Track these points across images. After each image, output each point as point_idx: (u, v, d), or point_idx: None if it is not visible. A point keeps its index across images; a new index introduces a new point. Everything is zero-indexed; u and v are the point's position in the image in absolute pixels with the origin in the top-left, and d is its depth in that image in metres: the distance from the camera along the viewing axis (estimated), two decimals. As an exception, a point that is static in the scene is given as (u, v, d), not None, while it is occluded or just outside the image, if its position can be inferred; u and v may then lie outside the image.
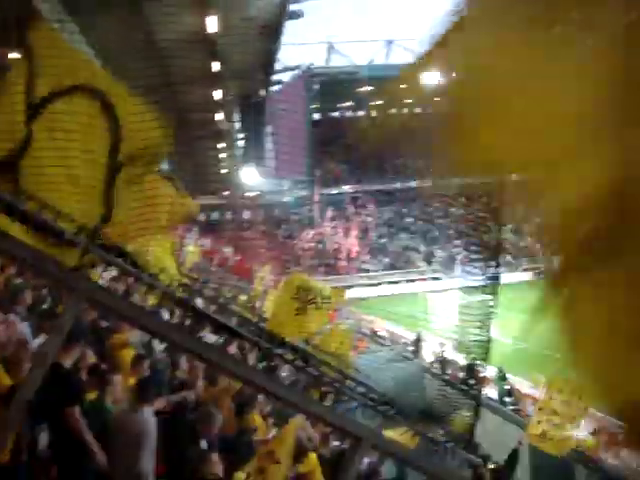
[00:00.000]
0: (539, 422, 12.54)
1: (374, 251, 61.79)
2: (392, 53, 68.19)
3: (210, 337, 10.26)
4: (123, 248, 4.33)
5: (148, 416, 7.02)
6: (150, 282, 4.41)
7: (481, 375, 20.25)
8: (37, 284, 10.00)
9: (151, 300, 9.54)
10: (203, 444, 7.60)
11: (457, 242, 62.20)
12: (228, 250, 33.67)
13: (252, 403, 9.73)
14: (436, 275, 56.40)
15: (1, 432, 3.71)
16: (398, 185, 69.43)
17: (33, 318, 8.82)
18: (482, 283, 10.82)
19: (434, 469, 4.39)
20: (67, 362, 6.96)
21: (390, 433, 7.57)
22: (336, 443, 9.55)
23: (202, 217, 53.57)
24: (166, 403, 8.60)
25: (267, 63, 34.77)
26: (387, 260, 60.35)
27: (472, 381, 20.15)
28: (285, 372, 13.80)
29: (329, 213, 64.09)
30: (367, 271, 57.26)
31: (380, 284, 53.15)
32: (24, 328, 8.22)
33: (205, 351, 4.12)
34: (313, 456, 7.61)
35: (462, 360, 23.33)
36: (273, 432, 9.36)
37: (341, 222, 63.93)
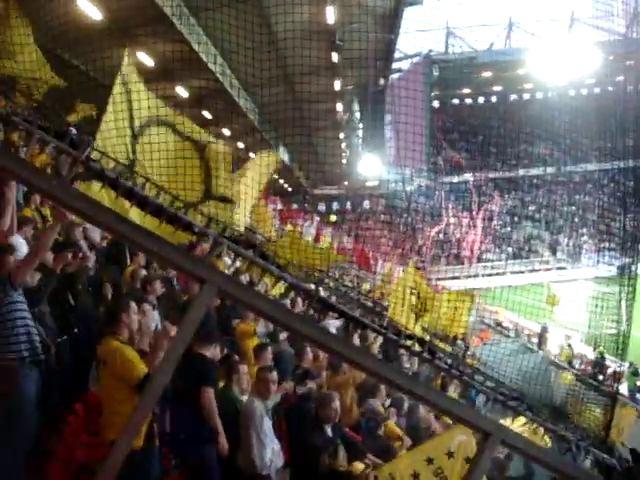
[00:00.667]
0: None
1: (497, 240, 60.60)
2: (512, 37, 66.45)
3: (333, 326, 10.34)
4: (252, 240, 4.38)
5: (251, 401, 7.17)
6: (278, 274, 4.43)
7: (613, 370, 19.48)
8: (166, 275, 10.30)
9: (275, 291, 9.71)
10: (328, 432, 7.65)
11: (584, 231, 60.43)
12: (349, 240, 33.77)
13: (375, 393, 9.72)
14: (561, 265, 54.80)
15: (138, 418, 3.80)
16: (521, 172, 67.84)
17: (163, 308, 9.11)
18: (613, 273, 10.37)
19: (565, 468, 4.20)
20: (202, 351, 7.16)
21: (515, 425, 7.39)
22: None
23: (323, 207, 54.04)
24: (291, 393, 8.71)
25: (386, 52, 34.54)
26: (511, 249, 59.10)
27: (601, 376, 19.43)
28: (409, 363, 13.72)
29: (451, 202, 63.28)
30: (490, 261, 56.22)
31: (504, 274, 52.11)
32: (156, 317, 8.50)
33: (328, 341, 4.10)
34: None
35: (591, 354, 22.65)
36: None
37: (463, 211, 63.00)
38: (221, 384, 7.50)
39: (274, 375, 7.45)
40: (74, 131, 10.05)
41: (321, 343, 4.16)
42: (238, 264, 7.17)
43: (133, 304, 6.56)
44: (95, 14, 20.58)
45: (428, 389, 4.51)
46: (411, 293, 9.18)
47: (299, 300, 11.81)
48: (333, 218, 46.38)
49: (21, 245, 8.70)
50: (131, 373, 5.80)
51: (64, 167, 3.78)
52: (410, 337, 5.17)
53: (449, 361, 6.18)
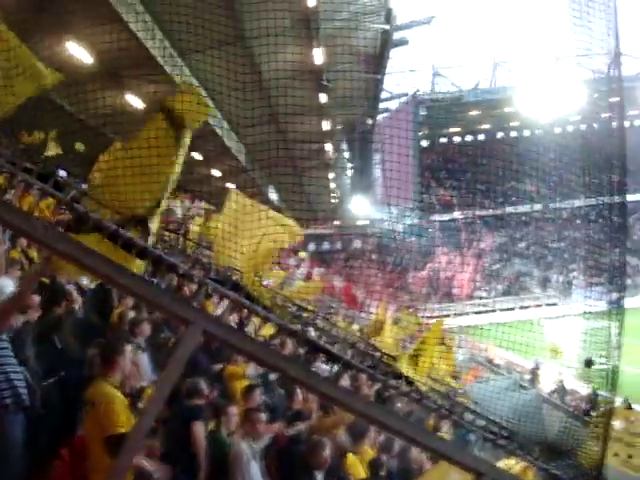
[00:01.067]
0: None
1: (487, 277, 60.71)
2: (497, 76, 67.29)
3: (323, 368, 10.26)
4: (237, 281, 4.35)
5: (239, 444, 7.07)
6: (264, 314, 4.40)
7: (607, 406, 19.34)
8: (154, 316, 10.23)
9: (265, 331, 9.65)
10: (319, 477, 7.55)
11: (573, 266, 60.62)
12: (339, 279, 33.75)
13: (366, 435, 9.61)
14: (552, 301, 54.86)
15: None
16: (509, 209, 68.31)
17: (151, 350, 9.03)
18: (604, 308, 10.35)
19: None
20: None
21: (507, 464, 7.30)
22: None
23: (312, 247, 54.08)
24: (281, 435, 8.61)
25: (373, 92, 34.90)
26: (501, 286, 59.19)
27: (594, 412, 19.32)
28: (399, 403, 13.60)
29: (441, 240, 63.50)
30: (480, 298, 56.27)
31: (494, 311, 52.12)
32: (145, 360, 8.42)
33: (316, 382, 4.06)
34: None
35: (584, 390, 22.54)
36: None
37: (453, 249, 63.21)
38: (209, 426, 7.42)
39: (262, 416, 7.37)
40: (63, 173, 10.06)
41: (309, 385, 4.11)
42: (225, 304, 7.15)
43: (128, 348, 6.51)
44: (85, 57, 20.77)
45: (417, 430, 4.46)
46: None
47: (288, 341, 11.74)
48: (302, 254, 46.39)
49: (8, 287, 8.66)
50: (109, 424, 5.73)
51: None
52: (398, 377, 5.14)
53: (438, 401, 6.14)
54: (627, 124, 59.90)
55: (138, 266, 3.80)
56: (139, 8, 20.77)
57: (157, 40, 22.01)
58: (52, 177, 3.67)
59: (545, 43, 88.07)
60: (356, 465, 8.98)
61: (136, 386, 6.70)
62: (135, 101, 24.34)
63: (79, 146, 14.86)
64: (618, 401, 20.36)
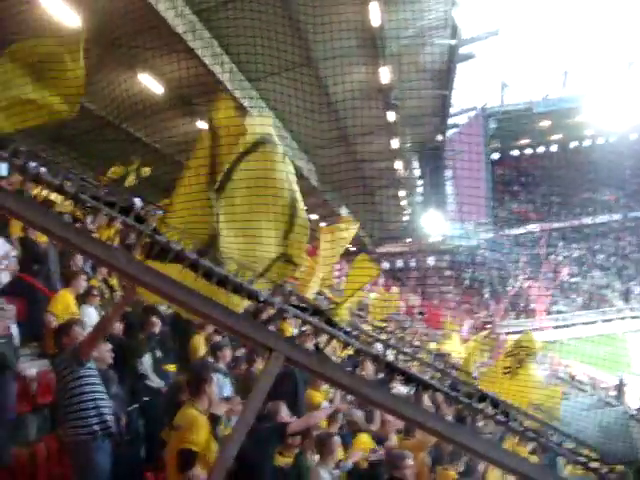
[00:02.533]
0: None
1: (566, 291, 59.37)
2: (568, 84, 66.17)
3: (401, 389, 10.15)
4: (318, 307, 4.35)
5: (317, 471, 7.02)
6: (345, 339, 4.39)
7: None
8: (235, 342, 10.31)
9: (343, 352, 9.60)
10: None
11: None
12: (414, 298, 33.50)
13: (450, 457, 9.45)
14: (635, 314, 53.21)
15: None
16: (587, 221, 66.79)
17: (233, 375, 9.12)
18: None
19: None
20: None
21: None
22: None
23: (387, 265, 53.90)
24: (362, 460, 8.54)
25: (442, 107, 34.70)
26: (580, 299, 57.80)
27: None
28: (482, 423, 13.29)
29: (516, 254, 62.51)
30: (560, 312, 55.01)
31: (574, 325, 50.88)
32: (228, 385, 8.50)
33: (399, 406, 4.03)
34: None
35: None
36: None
37: (529, 262, 62.12)
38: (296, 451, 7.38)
39: (337, 440, 7.35)
40: (138, 203, 10.27)
41: (391, 409, 4.08)
42: (304, 328, 7.16)
43: (217, 376, 6.65)
44: (157, 88, 21.25)
45: (503, 453, 4.37)
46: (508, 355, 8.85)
47: (367, 362, 11.66)
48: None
49: (91, 314, 8.88)
50: (185, 440, 5.84)
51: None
52: (483, 399, 5.03)
53: (524, 422, 5.98)
54: None
55: (215, 292, 3.83)
56: (205, 34, 21.21)
57: (225, 65, 22.42)
58: (132, 210, 3.74)
59: (617, 47, 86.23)
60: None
61: (218, 412, 6.77)
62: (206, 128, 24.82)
63: (145, 171, 15.10)
64: None
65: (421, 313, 28.37)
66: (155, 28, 18.80)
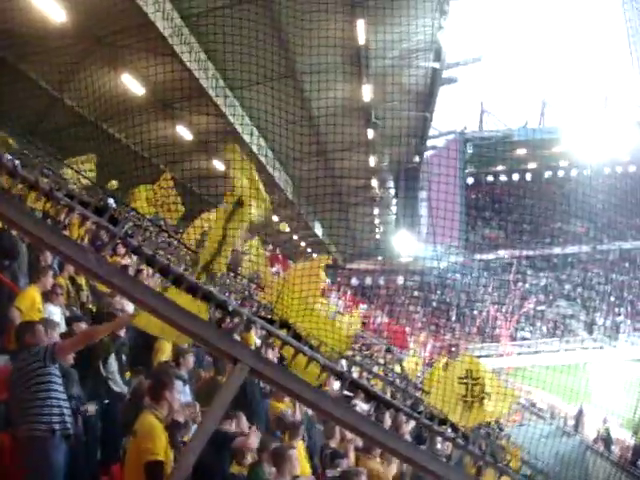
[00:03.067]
0: None
1: (532, 318, 59.85)
2: (546, 114, 67.05)
3: (364, 406, 10.16)
4: (286, 320, 4.36)
5: None
6: (311, 354, 4.39)
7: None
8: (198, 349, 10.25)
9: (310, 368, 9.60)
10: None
11: (621, 310, 59.50)
12: (382, 316, 33.60)
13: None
14: (598, 345, 53.76)
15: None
16: (556, 250, 67.52)
17: (194, 382, 9.06)
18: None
19: None
20: (228, 428, 7.08)
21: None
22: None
23: (356, 282, 53.98)
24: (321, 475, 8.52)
25: (421, 129, 34.94)
26: (545, 328, 58.30)
27: (641, 462, 18.75)
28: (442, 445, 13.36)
29: (486, 279, 62.95)
30: (526, 339, 55.43)
31: (538, 353, 51.26)
32: (187, 392, 8.45)
33: (361, 424, 4.03)
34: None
35: (630, 439, 21.94)
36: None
37: (497, 288, 62.56)
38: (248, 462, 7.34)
39: (294, 454, 7.32)
40: (112, 202, 10.21)
41: (352, 426, 4.09)
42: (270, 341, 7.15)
43: (178, 382, 6.59)
44: (138, 89, 21.15)
45: (462, 476, 4.39)
46: (461, 383, 8.80)
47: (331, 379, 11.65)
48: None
49: (53, 313, 8.79)
50: (149, 451, 5.79)
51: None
52: (443, 422, 5.05)
53: (482, 445, 6.01)
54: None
55: (187, 301, 3.83)
56: (192, 40, 21.18)
57: (209, 72, 22.42)
58: (107, 210, 3.73)
59: (596, 82, 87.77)
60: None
61: (178, 419, 6.72)
62: (185, 133, 24.71)
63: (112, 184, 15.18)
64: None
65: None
66: (142, 29, 18.77)
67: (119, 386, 8.47)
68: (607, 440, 24.51)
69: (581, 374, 27.31)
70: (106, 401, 8.04)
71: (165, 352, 9.43)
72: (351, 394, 5.36)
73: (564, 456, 16.58)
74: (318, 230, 40.93)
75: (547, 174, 75.80)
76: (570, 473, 13.11)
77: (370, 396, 5.09)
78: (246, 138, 24.83)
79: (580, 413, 27.15)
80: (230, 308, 3.84)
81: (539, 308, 61.86)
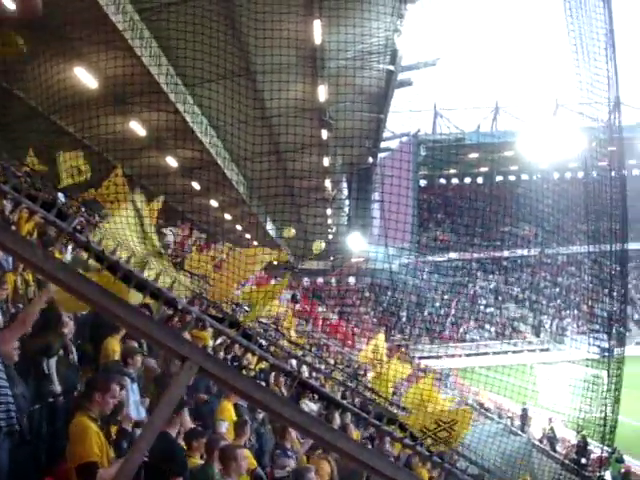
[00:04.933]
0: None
1: (480, 320, 60.66)
2: (499, 119, 68.02)
3: (312, 406, 10.16)
4: (235, 319, 4.33)
5: None
6: (260, 353, 4.37)
7: (598, 455, 19.22)
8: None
9: (258, 366, 9.57)
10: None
11: (567, 313, 60.59)
12: (333, 316, 33.66)
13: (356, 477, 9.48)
14: (544, 346, 54.72)
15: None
16: (506, 253, 68.48)
17: (142, 381, 8.94)
18: (597, 357, 10.26)
19: None
20: (172, 430, 7.00)
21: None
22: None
23: (307, 282, 53.98)
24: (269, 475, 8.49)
25: (375, 131, 35.09)
26: (494, 330, 59.09)
27: (584, 461, 19.19)
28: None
29: (436, 281, 63.48)
30: (473, 341, 56.11)
31: (486, 354, 51.95)
32: (135, 390, 8.33)
33: (309, 424, 4.02)
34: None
35: (574, 438, 22.39)
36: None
37: (447, 290, 63.15)
38: (197, 460, 7.28)
39: (242, 453, 7.29)
40: (62, 198, 10.02)
41: (300, 426, 4.07)
42: (219, 340, 7.10)
43: (113, 384, 6.46)
44: (91, 82, 20.82)
45: (410, 475, 4.41)
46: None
47: (279, 379, 11.63)
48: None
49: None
50: (80, 454, 5.71)
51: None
52: (392, 422, 5.08)
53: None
54: (625, 173, 60.19)
55: (136, 298, 3.78)
56: (146, 35, 20.95)
57: (163, 67, 22.19)
58: (55, 205, 3.66)
59: (547, 89, 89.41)
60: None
61: (126, 418, 6.64)
62: (138, 128, 24.44)
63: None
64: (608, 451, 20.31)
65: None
66: (95, 21, 18.48)
67: (58, 386, 8.32)
68: (552, 439, 24.94)
69: (527, 375, 27.72)
70: (50, 400, 7.90)
71: (113, 351, 9.30)
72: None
73: (511, 455, 16.83)
74: (272, 230, 40.83)
75: (498, 178, 76.94)
76: (516, 472, 13.30)
77: (319, 396, 5.10)
78: (200, 136, 24.72)
79: (526, 413, 27.57)
80: (179, 306, 3.80)
81: (488, 310, 62.69)
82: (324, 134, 29.29)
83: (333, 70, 25.63)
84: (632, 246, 50.73)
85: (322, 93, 26.60)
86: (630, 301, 55.93)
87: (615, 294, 11.15)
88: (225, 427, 8.63)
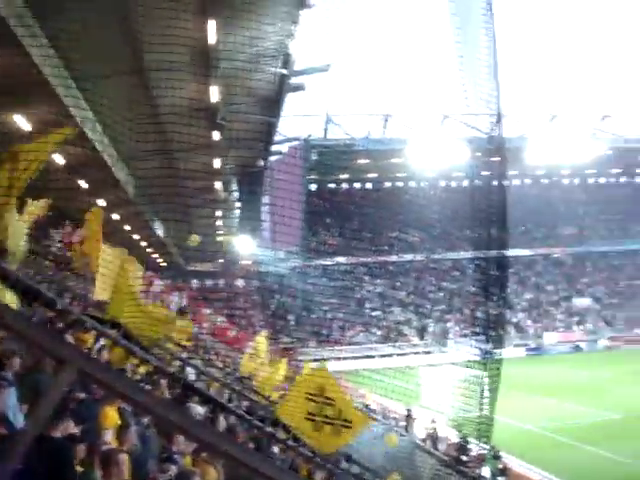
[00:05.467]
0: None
1: (367, 324, 61.69)
2: (388, 127, 69.41)
3: (198, 409, 10.05)
4: (117, 320, 4.24)
5: None
6: (142, 355, 4.29)
7: (475, 453, 19.97)
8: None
9: (142, 369, 9.39)
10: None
11: (450, 316, 62.41)
12: (220, 319, 33.41)
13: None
14: (428, 349, 56.14)
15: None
16: (392, 258, 69.92)
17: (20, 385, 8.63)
18: (477, 358, 10.61)
19: None
20: (56, 434, 6.79)
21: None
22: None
23: (195, 284, 53.42)
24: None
25: (266, 134, 35.09)
26: (379, 333, 60.16)
27: (465, 459, 19.88)
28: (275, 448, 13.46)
29: (323, 285, 64.01)
30: (359, 343, 56.93)
31: (372, 357, 52.77)
32: (11, 395, 8.02)
33: (193, 428, 3.97)
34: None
35: (455, 437, 23.07)
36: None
37: (335, 294, 63.82)
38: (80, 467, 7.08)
39: (124, 458, 7.14)
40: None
41: (186, 430, 4.02)
42: (102, 342, 6.93)
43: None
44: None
45: (295, 478, 4.43)
46: (309, 399, 8.43)
47: (162, 381, 11.44)
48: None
49: None
50: None
51: None
52: (275, 424, 5.10)
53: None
54: (507, 183, 62.72)
55: (11, 299, 3.64)
56: (35, 25, 20.23)
57: (51, 60, 21.46)
58: None
59: (435, 100, 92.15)
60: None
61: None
62: (23, 123, 23.56)
63: None
64: (486, 449, 21.15)
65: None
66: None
67: None
68: (435, 438, 25.57)
69: (411, 377, 28.38)
70: None
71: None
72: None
73: (394, 455, 17.20)
74: (159, 231, 40.20)
75: (387, 184, 78.49)
76: (396, 469, 13.59)
77: (204, 399, 5.06)
78: (88, 132, 24.03)
79: (410, 414, 28.13)
80: (59, 306, 3.68)
81: (374, 314, 63.77)
82: (215, 135, 29.06)
83: (226, 71, 25.47)
84: (512, 253, 52.78)
85: (215, 94, 26.39)
86: (509, 306, 58.04)
87: (495, 299, 11.58)
88: (108, 432, 8.43)
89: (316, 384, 8.18)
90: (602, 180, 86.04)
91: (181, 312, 20.75)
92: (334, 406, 7.86)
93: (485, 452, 21.28)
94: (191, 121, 23.45)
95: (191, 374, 10.68)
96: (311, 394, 8.03)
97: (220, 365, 19.91)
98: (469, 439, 21.50)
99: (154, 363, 4.31)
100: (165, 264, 50.87)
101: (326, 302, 60.90)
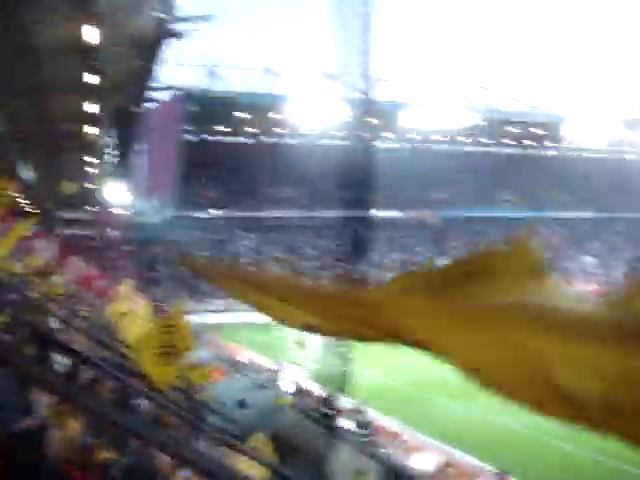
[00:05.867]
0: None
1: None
2: (270, 83, 69.23)
3: (60, 362, 9.77)
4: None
5: None
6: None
7: (338, 407, 20.54)
8: None
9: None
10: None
11: (324, 273, 63.19)
12: (89, 267, 32.53)
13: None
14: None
15: None
16: (265, 213, 70.18)
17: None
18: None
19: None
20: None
21: (241, 463, 7.37)
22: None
23: (62, 231, 51.72)
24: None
25: (144, 80, 34.05)
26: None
27: (329, 412, 20.44)
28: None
29: (195, 237, 63.61)
30: (228, 297, 56.93)
31: (241, 311, 52.89)
32: None
33: (55, 382, 3.87)
34: None
35: (321, 391, 23.64)
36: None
37: (209, 246, 63.53)
38: None
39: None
40: None
41: (43, 382, 3.90)
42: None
43: None
44: None
45: (155, 431, 4.39)
46: (164, 332, 8.27)
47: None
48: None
49: None
50: None
51: None
52: (136, 374, 5.01)
53: (181, 401, 6.07)
54: (382, 145, 63.89)
55: None
56: None
57: None
58: None
59: (315, 58, 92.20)
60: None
61: None
62: None
63: None
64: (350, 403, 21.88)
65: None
66: None
67: None
68: (302, 393, 26.06)
69: (281, 332, 28.76)
70: None
71: None
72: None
73: (261, 408, 17.49)
74: (27, 174, 38.48)
75: (267, 140, 78.26)
76: (262, 422, 13.82)
77: (66, 351, 4.90)
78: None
79: (277, 369, 28.52)
80: None
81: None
82: (91, 78, 27.93)
83: (105, 10, 24.42)
84: (381, 213, 53.94)
85: (91, 34, 25.29)
86: (375, 265, 59.04)
87: (359, 256, 11.81)
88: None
89: (166, 322, 8.08)
90: (472, 148, 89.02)
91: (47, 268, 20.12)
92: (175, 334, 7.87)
93: (349, 406, 21.99)
94: (65, 61, 22.49)
95: (55, 326, 10.37)
96: (165, 326, 7.97)
97: (86, 314, 19.44)
98: (333, 393, 22.16)
99: (7, 312, 4.13)
100: (33, 209, 48.82)
101: (201, 255, 60.55)
